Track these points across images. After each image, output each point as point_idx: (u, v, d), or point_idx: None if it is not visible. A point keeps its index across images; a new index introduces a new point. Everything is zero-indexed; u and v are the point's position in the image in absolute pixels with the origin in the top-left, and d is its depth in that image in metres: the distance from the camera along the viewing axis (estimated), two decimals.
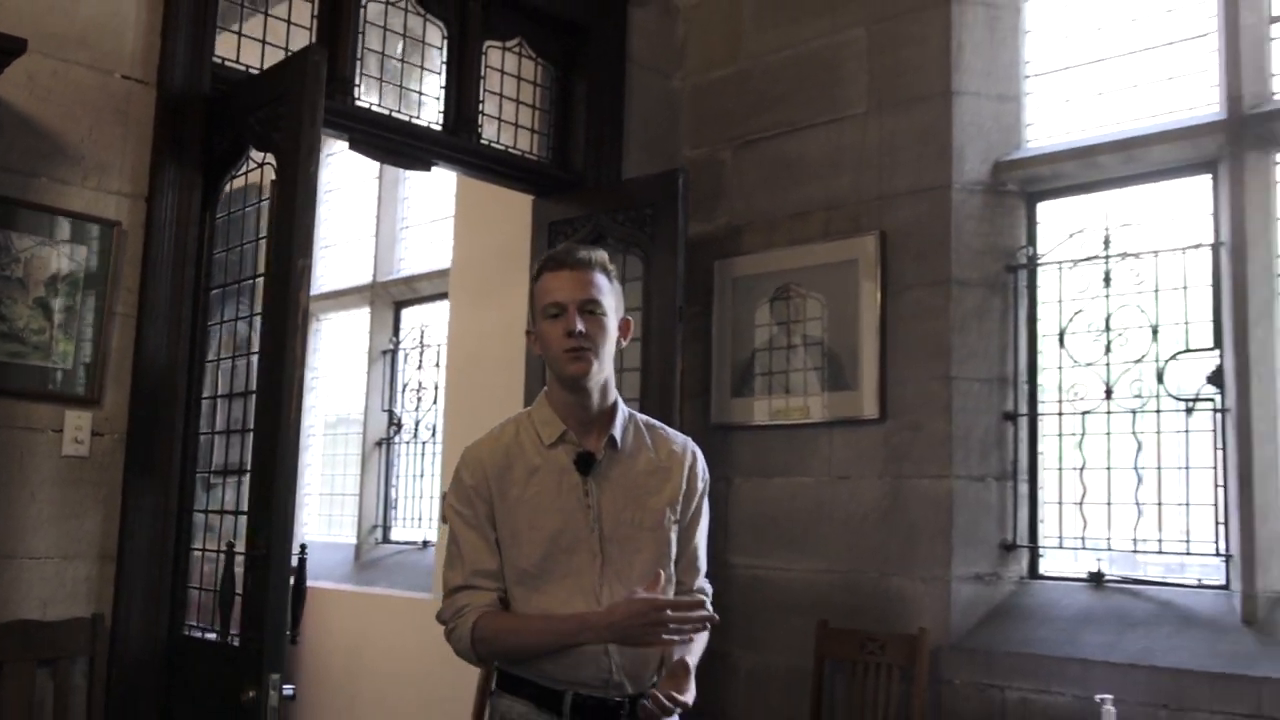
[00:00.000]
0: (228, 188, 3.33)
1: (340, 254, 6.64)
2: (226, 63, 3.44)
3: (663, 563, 2.29)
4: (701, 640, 2.32)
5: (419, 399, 6.02)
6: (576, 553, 2.25)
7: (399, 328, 6.27)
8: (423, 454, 5.97)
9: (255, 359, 3.13)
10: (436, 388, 5.84)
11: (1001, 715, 3.61)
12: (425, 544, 5.78)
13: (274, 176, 3.10)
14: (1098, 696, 3.13)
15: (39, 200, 2.98)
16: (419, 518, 5.96)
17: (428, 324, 6.03)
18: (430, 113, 4.11)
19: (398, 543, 6.07)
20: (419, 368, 6.05)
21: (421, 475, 5.96)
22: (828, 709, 3.95)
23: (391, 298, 6.30)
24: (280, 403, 2.91)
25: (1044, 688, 3.54)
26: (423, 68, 4.15)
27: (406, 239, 6.34)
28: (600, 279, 2.26)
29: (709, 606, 2.27)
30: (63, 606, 2.98)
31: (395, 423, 6.13)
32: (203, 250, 3.29)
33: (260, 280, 3.14)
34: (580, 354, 2.21)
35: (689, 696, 2.17)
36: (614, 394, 2.33)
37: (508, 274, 4.70)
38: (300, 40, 3.66)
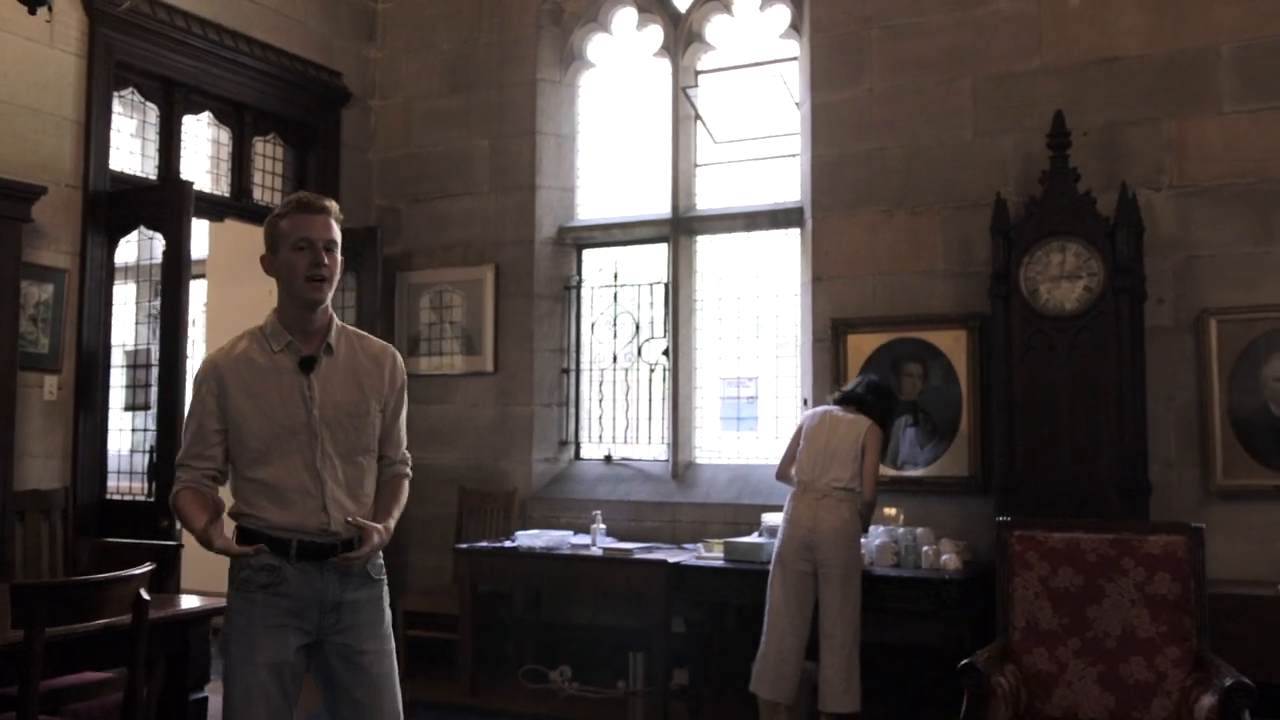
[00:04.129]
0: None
1: None
2: (119, 173, 5.88)
3: (367, 442, 2.90)
4: (401, 503, 2.98)
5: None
6: (298, 434, 2.80)
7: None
8: None
9: (148, 345, 5.69)
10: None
11: (566, 527, 6.72)
12: None
13: (164, 244, 5.64)
14: (593, 512, 6.28)
15: (32, 261, 5.38)
16: None
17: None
18: (222, 185, 6.66)
19: None
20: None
21: None
22: (465, 534, 6.93)
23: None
24: (175, 366, 5.53)
25: (578, 515, 6.66)
26: (218, 157, 6.68)
27: None
28: (335, 225, 2.86)
29: (409, 470, 3.05)
30: (49, 481, 5.47)
31: None
32: (109, 282, 5.78)
33: (149, 302, 5.70)
34: (321, 282, 2.80)
35: (372, 544, 2.79)
36: (330, 311, 2.90)
37: (233, 273, 7.25)
38: (148, 148, 6.14)
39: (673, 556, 5.77)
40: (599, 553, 5.91)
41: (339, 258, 2.88)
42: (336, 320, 2.94)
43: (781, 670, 5.07)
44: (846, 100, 6.14)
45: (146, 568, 3.34)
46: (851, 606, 4.99)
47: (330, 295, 2.87)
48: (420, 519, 7.11)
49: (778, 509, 5.38)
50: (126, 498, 5.72)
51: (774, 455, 6.41)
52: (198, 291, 8.52)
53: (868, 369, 5.91)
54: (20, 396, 5.34)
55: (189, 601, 3.88)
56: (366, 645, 2.87)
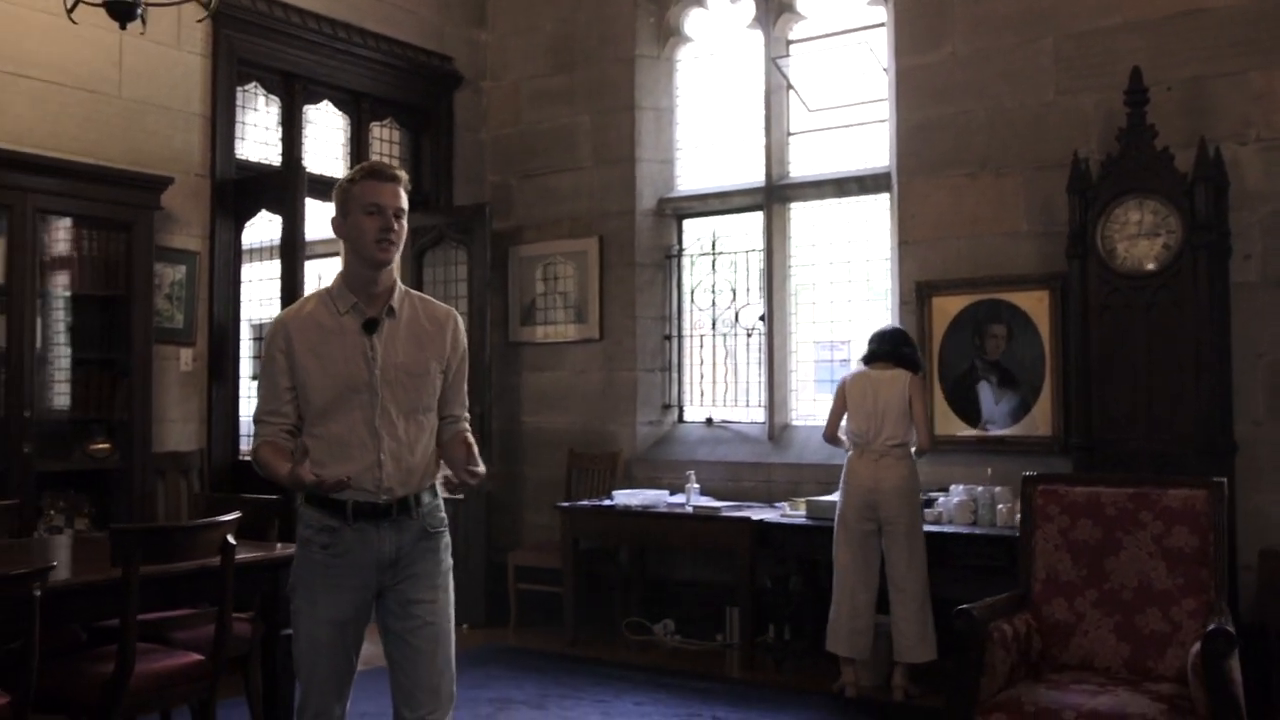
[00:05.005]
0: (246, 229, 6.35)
1: None
2: (246, 161, 6.40)
3: (427, 402, 2.97)
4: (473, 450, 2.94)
5: None
6: (360, 393, 2.89)
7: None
8: None
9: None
10: None
11: (669, 488, 7.00)
12: None
13: (284, 228, 6.13)
14: (687, 472, 6.53)
15: (165, 245, 5.94)
16: None
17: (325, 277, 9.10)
18: (343, 167, 7.13)
19: None
20: None
21: None
22: (574, 494, 7.29)
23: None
24: None
25: (679, 476, 6.91)
26: (338, 143, 7.16)
27: None
28: (404, 193, 2.96)
29: (468, 427, 3.06)
30: (186, 444, 6.05)
31: None
32: (237, 261, 6.31)
33: (274, 279, 6.21)
34: (389, 245, 2.90)
35: (482, 468, 2.89)
36: (395, 276, 3.00)
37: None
38: (271, 137, 6.64)
39: (758, 514, 5.99)
40: (689, 510, 6.17)
41: (405, 225, 2.96)
42: (400, 285, 3.02)
43: (855, 626, 5.25)
44: (930, 64, 6.19)
45: (232, 516, 3.76)
46: (919, 559, 5.14)
47: (396, 258, 2.95)
48: (533, 480, 7.51)
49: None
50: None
51: None
52: (331, 266, 9.12)
53: (952, 331, 6.01)
54: (159, 368, 5.91)
55: (281, 549, 4.31)
56: (423, 595, 2.96)
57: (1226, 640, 2.92)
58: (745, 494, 6.61)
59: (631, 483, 7.02)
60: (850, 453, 5.32)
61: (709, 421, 7.17)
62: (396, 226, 2.91)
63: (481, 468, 2.91)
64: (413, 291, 3.09)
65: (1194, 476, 3.86)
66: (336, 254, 8.85)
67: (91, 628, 3.99)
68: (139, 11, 3.89)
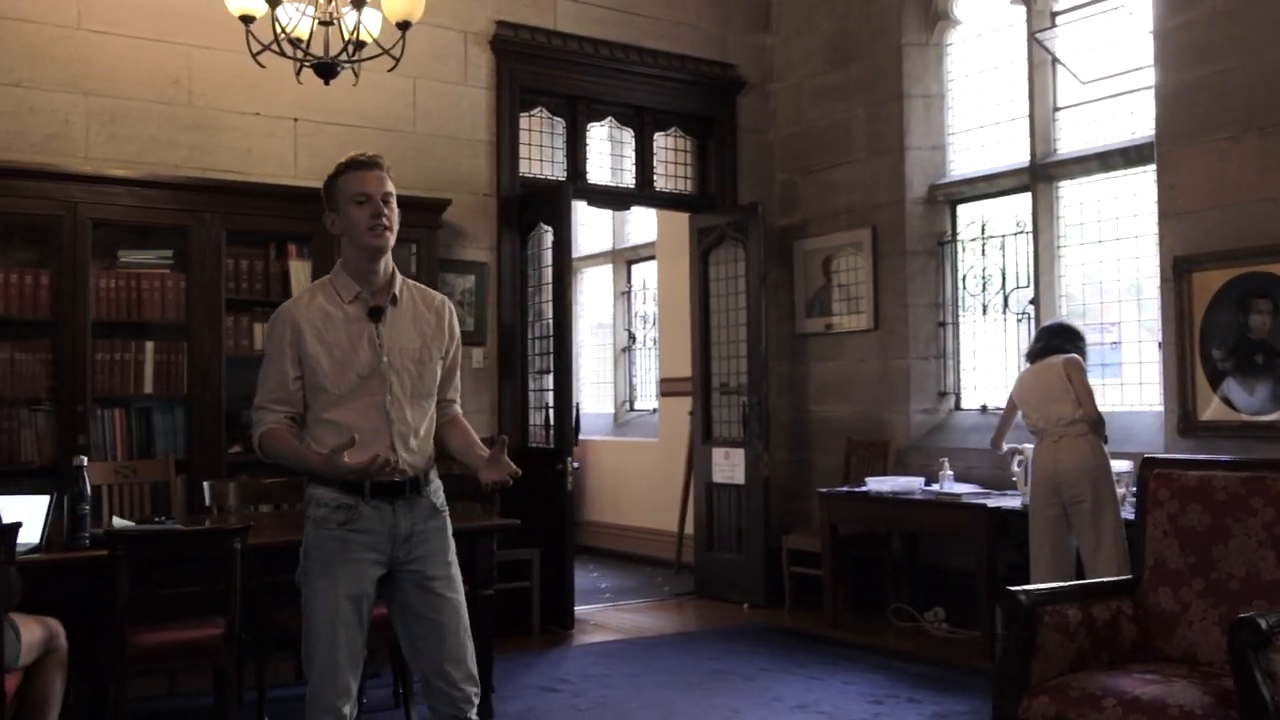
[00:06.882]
0: (530, 240, 7.10)
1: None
2: (525, 177, 7.15)
3: (429, 387, 3.12)
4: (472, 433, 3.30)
5: (643, 322, 9.84)
6: (370, 379, 3.00)
7: (631, 279, 10.08)
8: (648, 355, 9.80)
9: (549, 321, 6.90)
10: (655, 316, 9.62)
11: (933, 476, 6.96)
12: (654, 411, 9.59)
13: (553, 237, 6.81)
14: (940, 459, 6.49)
15: (456, 257, 6.80)
16: (650, 396, 9.81)
17: (646, 278, 9.82)
18: (628, 178, 7.72)
19: (638, 410, 9.96)
20: (643, 303, 9.87)
21: (647, 369, 9.81)
22: (850, 480, 7.42)
23: (625, 259, 10.12)
24: (563, 338, 6.68)
25: (958, 460, 6.84)
26: (621, 155, 7.77)
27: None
28: (388, 178, 3.03)
29: (460, 410, 3.32)
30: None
31: (631, 338, 9.98)
32: (523, 269, 7.07)
33: (548, 284, 6.90)
34: (384, 230, 2.98)
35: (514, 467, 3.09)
36: (392, 264, 3.09)
37: (677, 254, 8.32)
38: (557, 155, 7.35)
39: (994, 501, 5.89)
40: (929, 497, 6.17)
41: (396, 208, 3.04)
42: (398, 274, 3.11)
43: None
44: (1190, 22, 5.77)
45: None
46: (1108, 541, 4.93)
47: (392, 243, 3.04)
48: (819, 467, 7.73)
49: (1130, 457, 5.57)
50: (544, 446, 6.97)
51: (1138, 401, 6.26)
52: (648, 271, 9.78)
53: (1213, 309, 5.58)
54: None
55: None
56: (437, 571, 3.10)
57: (1253, 631, 2.72)
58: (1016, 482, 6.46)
59: (905, 470, 7.05)
60: (1035, 441, 5.30)
61: (983, 409, 7.04)
62: (386, 211, 2.99)
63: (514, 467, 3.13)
64: (409, 280, 3.20)
65: None
66: (608, 261, 9.54)
67: None
68: (339, 69, 4.62)
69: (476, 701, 3.13)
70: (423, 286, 3.25)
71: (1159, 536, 3.48)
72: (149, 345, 5.66)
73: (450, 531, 3.19)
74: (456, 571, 3.17)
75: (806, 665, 5.73)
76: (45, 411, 5.42)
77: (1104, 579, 3.54)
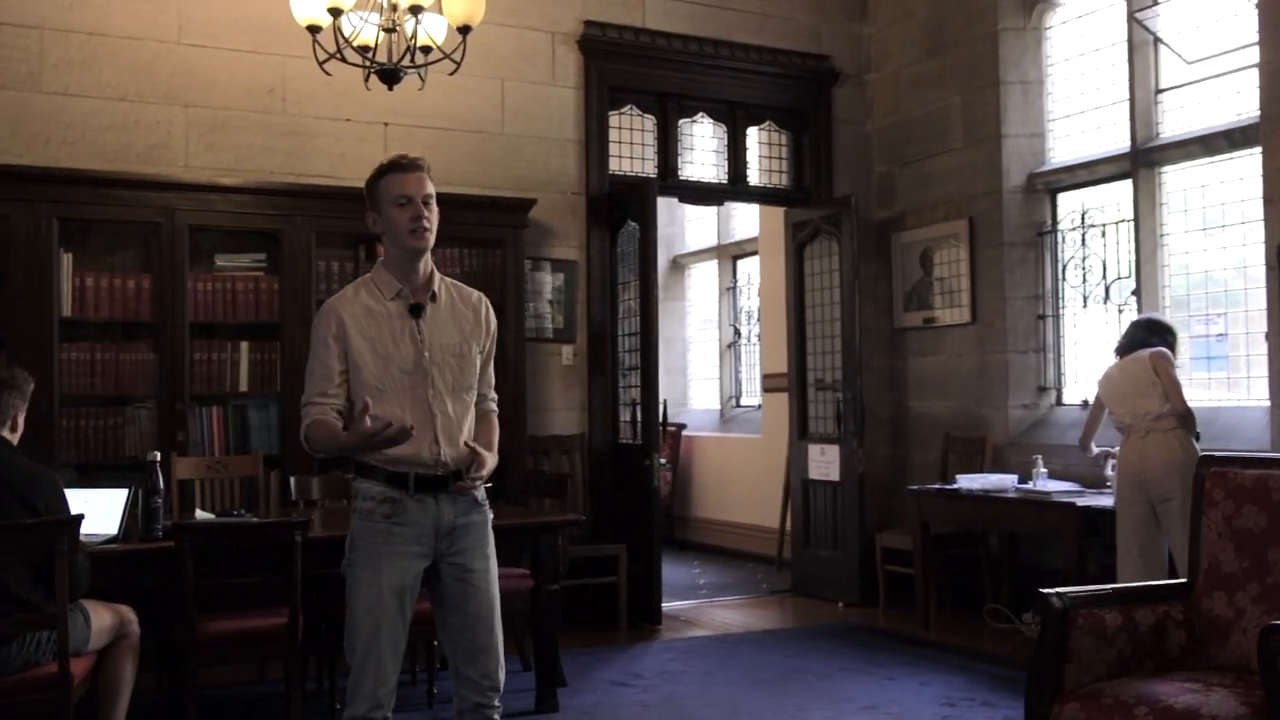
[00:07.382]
0: (620, 238, 7.14)
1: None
2: (616, 175, 7.19)
3: (470, 381, 3.19)
4: (496, 435, 3.29)
5: (748, 318, 9.80)
6: (412, 373, 3.08)
7: (736, 274, 10.05)
8: (752, 353, 9.76)
9: (637, 318, 6.93)
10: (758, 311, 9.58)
11: (1028, 474, 6.77)
12: (758, 407, 9.55)
13: (639, 234, 6.85)
14: (1034, 456, 6.29)
15: (544, 255, 6.89)
16: (754, 392, 9.76)
17: (750, 273, 9.78)
18: (720, 173, 7.70)
19: (743, 406, 9.92)
20: (747, 299, 9.83)
21: (751, 365, 9.77)
22: (947, 477, 7.25)
23: (730, 254, 10.09)
24: (649, 335, 6.71)
25: (1050, 460, 6.62)
26: (716, 150, 7.75)
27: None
28: (429, 180, 3.12)
29: (494, 406, 3.32)
30: (569, 428, 6.96)
31: (736, 334, 9.94)
32: (614, 269, 7.11)
33: (634, 281, 6.94)
34: (424, 232, 3.08)
35: (487, 468, 3.12)
36: (431, 263, 3.18)
37: (778, 249, 8.26)
38: (648, 152, 7.37)
39: (1084, 500, 5.69)
40: (1019, 495, 5.99)
41: (435, 209, 3.12)
42: (437, 272, 3.20)
43: None
44: None
45: None
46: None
47: (431, 244, 3.12)
48: (918, 463, 7.60)
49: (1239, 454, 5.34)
50: (634, 442, 7.01)
51: (1245, 397, 5.99)
52: (752, 266, 9.73)
53: None
54: (542, 363, 6.87)
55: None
56: (477, 564, 3.16)
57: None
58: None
59: (1003, 467, 6.86)
60: (1122, 439, 5.09)
61: (1084, 404, 6.79)
62: (427, 213, 3.08)
63: (487, 468, 3.13)
64: (447, 278, 3.27)
65: None
66: (714, 257, 9.54)
67: None
68: (402, 75, 4.73)
69: (502, 689, 3.21)
70: (460, 284, 3.31)
71: (1214, 539, 3.33)
72: (244, 345, 5.90)
73: (490, 525, 3.26)
74: (494, 564, 3.23)
75: (886, 666, 5.63)
76: (147, 409, 5.71)
77: (1152, 583, 3.38)
